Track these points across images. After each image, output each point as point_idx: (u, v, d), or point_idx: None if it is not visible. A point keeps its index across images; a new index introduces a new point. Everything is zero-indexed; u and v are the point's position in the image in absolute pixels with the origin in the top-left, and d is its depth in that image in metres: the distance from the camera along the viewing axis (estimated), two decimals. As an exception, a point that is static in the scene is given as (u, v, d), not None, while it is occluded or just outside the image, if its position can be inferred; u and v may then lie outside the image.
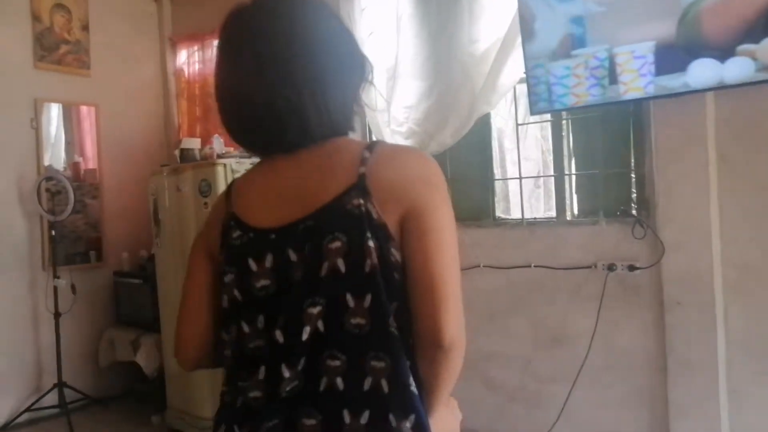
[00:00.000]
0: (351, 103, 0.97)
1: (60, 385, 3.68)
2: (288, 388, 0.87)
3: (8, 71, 3.81)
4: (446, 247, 0.88)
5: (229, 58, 0.96)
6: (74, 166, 4.19)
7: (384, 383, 0.86)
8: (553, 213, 3.12)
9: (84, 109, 4.24)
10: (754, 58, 2.15)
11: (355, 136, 1.03)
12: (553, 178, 3.12)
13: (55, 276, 3.74)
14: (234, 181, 1.06)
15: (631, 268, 2.67)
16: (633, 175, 2.78)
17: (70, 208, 3.76)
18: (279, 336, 0.89)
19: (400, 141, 3.24)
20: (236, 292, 0.94)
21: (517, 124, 3.17)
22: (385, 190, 0.88)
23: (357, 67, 0.98)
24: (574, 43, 2.53)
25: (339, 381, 0.86)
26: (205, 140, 3.88)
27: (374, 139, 3.37)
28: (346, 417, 0.85)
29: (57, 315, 3.71)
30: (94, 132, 4.24)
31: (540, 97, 2.66)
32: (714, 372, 2.45)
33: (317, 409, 0.86)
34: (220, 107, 0.97)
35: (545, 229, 3.01)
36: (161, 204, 3.52)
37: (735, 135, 2.42)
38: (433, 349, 0.87)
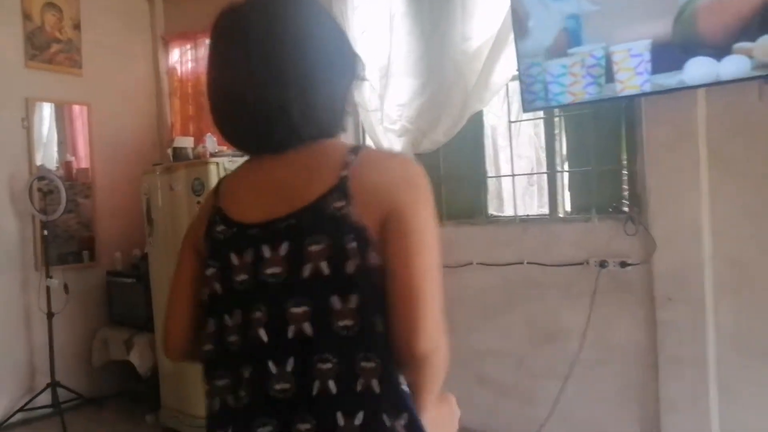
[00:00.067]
0: (341, 101, 0.97)
1: (53, 384, 3.67)
2: (277, 387, 0.87)
3: (-1, 71, 3.79)
4: (427, 250, 0.88)
5: (221, 57, 0.96)
6: (66, 166, 4.17)
7: (375, 383, 0.86)
8: (545, 210, 3.14)
9: (76, 108, 4.22)
10: (750, 56, 2.16)
11: (348, 134, 1.04)
12: (545, 175, 3.14)
13: (48, 276, 3.72)
14: (224, 177, 1.06)
15: (623, 264, 2.69)
16: (625, 172, 2.79)
17: (62, 207, 3.74)
18: (263, 334, 0.88)
19: (393, 139, 3.25)
20: (217, 286, 0.94)
21: (510, 122, 3.18)
22: (368, 192, 0.88)
23: (348, 65, 0.98)
24: (569, 41, 2.53)
25: (331, 384, 0.86)
26: (198, 139, 3.87)
27: (366, 138, 3.39)
28: (340, 419, 0.85)
29: (50, 315, 3.70)
30: (87, 131, 4.22)
31: (536, 96, 2.66)
32: (704, 367, 2.47)
33: (311, 414, 0.86)
34: (211, 106, 0.97)
35: (538, 227, 3.02)
36: (154, 203, 3.52)
37: (726, 132, 2.43)
38: (407, 357, 0.87)
